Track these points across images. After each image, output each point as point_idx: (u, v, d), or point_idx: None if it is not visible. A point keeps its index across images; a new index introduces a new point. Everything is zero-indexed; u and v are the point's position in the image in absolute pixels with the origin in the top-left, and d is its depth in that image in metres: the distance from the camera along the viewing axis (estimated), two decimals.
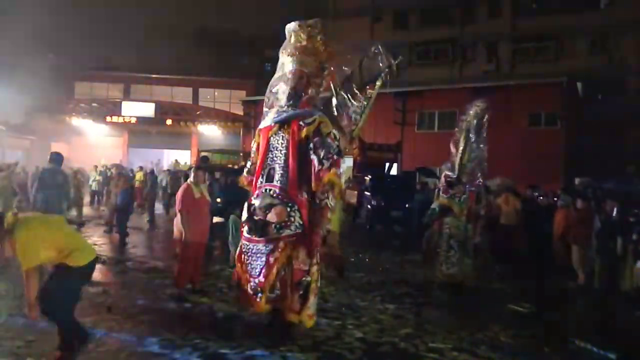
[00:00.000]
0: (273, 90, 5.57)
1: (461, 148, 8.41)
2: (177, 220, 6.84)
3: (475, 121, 8.64)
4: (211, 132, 29.94)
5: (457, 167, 8.28)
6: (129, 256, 9.64)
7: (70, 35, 30.28)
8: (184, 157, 29.88)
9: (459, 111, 22.70)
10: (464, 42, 23.04)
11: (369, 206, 14.79)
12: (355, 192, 15.28)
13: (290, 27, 5.55)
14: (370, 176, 16.28)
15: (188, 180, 7.08)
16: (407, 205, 13.83)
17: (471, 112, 8.75)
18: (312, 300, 5.16)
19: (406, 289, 7.80)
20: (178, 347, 4.84)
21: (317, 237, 5.18)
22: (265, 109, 5.67)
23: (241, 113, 30.29)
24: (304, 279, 5.07)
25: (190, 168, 11.81)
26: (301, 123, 5.14)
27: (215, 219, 8.27)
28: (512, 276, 9.21)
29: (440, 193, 8.38)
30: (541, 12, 21.33)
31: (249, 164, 5.84)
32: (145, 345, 4.84)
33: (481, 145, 8.55)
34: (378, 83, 5.72)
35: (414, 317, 6.28)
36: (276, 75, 5.60)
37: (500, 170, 15.92)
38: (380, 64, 5.70)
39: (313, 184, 5.10)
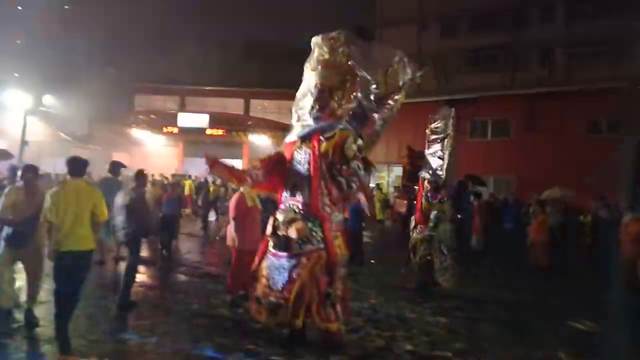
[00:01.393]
0: (300, 105, 5.62)
1: (447, 153, 8.46)
2: (230, 228, 7.01)
3: (449, 128, 8.57)
4: (262, 142, 30.46)
5: (444, 171, 8.42)
6: (183, 262, 9.94)
7: (130, 50, 31.68)
8: (237, 166, 30.50)
9: (513, 118, 22.28)
10: (517, 48, 22.42)
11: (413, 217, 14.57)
12: (405, 201, 15.13)
13: (314, 40, 5.61)
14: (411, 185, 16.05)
15: (241, 189, 7.20)
16: (458, 215, 13.54)
17: (441, 119, 8.65)
18: (338, 309, 5.15)
19: (458, 302, 7.63)
20: (231, 352, 4.97)
21: (336, 250, 5.18)
22: (292, 123, 5.73)
23: (290, 123, 30.58)
24: (329, 290, 5.07)
25: None
26: (322, 137, 5.20)
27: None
28: (570, 291, 8.86)
29: (430, 199, 8.23)
30: (597, 15, 20.49)
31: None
32: (200, 349, 4.99)
33: (450, 152, 8.39)
34: (400, 95, 5.69)
35: (466, 332, 6.13)
36: (301, 89, 5.66)
37: (557, 180, 15.41)
38: (405, 75, 5.66)
39: (338, 204, 5.23)
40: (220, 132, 31.05)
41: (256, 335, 5.46)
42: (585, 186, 14.43)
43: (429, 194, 8.30)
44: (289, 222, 5.05)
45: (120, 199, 6.60)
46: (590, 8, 20.80)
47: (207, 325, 5.76)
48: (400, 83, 5.68)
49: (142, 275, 8.30)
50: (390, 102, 5.63)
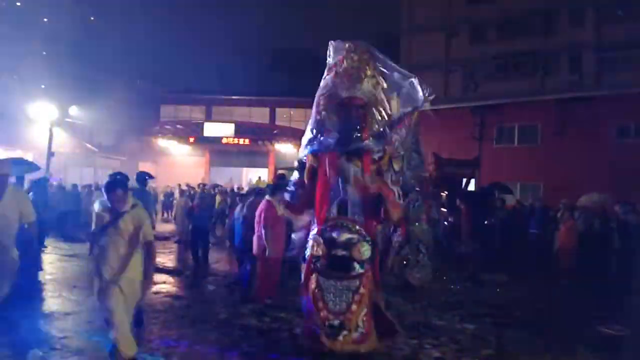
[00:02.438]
0: (322, 112, 5.38)
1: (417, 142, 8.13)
2: (257, 236, 7.04)
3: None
4: (287, 150, 30.62)
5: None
6: (210, 271, 10.02)
7: (155, 60, 32.30)
8: (262, 175, 30.73)
9: (541, 124, 21.93)
10: (545, 53, 22.10)
11: (445, 223, 14.43)
12: (430, 207, 15.00)
13: (338, 46, 5.51)
14: (447, 192, 15.91)
15: (267, 197, 7.23)
16: (485, 222, 13.36)
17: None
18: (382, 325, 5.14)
19: (486, 309, 7.53)
20: None
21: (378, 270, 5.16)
22: (311, 129, 5.47)
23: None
24: (381, 304, 5.08)
25: (267, 185, 12.09)
26: (374, 157, 5.15)
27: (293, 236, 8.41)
28: (597, 296, 8.65)
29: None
30: (627, 19, 20.09)
31: (291, 187, 5.78)
32: (227, 358, 5.02)
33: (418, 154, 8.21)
34: (414, 116, 5.66)
35: (495, 338, 6.03)
36: (323, 94, 5.45)
37: (588, 185, 15.10)
38: (418, 94, 5.55)
39: (394, 214, 5.17)
40: (246, 141, 31.33)
41: (284, 343, 5.46)
42: (615, 191, 14.12)
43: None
44: (347, 242, 4.94)
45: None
46: (620, 11, 20.41)
47: (234, 335, 5.77)
48: (410, 108, 5.59)
49: (168, 285, 8.40)
50: (404, 122, 5.54)
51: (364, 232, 5.00)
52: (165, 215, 21.71)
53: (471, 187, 19.47)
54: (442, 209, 14.69)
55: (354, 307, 4.84)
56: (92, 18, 31.39)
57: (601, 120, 19.80)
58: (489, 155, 22.51)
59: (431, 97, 5.59)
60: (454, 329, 6.36)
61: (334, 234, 5.00)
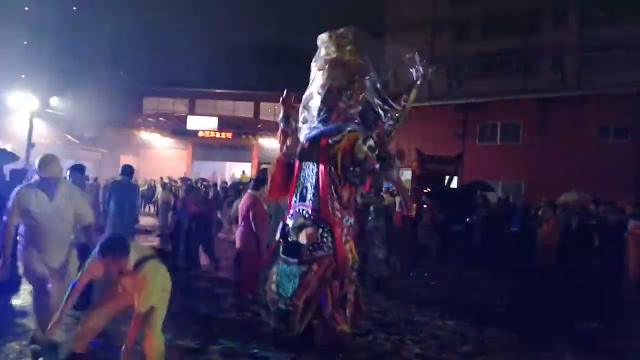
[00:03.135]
0: (307, 106, 5.47)
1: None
2: (240, 231, 6.99)
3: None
4: (271, 145, 30.50)
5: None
6: (192, 265, 9.94)
7: (139, 53, 31.87)
8: (246, 170, 30.58)
9: (523, 123, 22.17)
10: (528, 52, 22.34)
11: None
12: (414, 205, 15.06)
13: (321, 38, 5.52)
14: (429, 189, 16.01)
15: (250, 191, 7.16)
16: (467, 219, 13.49)
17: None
18: (348, 312, 5.12)
19: (466, 305, 7.60)
20: (238, 355, 4.95)
21: (347, 254, 5.11)
22: (299, 125, 5.58)
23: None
24: (338, 295, 5.05)
25: (250, 180, 12.01)
26: (330, 141, 5.11)
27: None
28: (577, 293, 8.81)
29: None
30: (609, 20, 20.39)
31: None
32: (207, 353, 4.99)
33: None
34: (412, 93, 5.57)
35: (475, 335, 6.10)
36: (309, 89, 5.54)
37: (569, 184, 15.31)
38: (415, 73, 5.54)
39: (349, 208, 5.20)
40: (229, 135, 31.14)
41: (264, 339, 5.44)
42: (595, 191, 14.36)
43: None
44: (299, 228, 5.00)
45: None
46: (603, 13, 20.69)
47: (215, 329, 5.74)
48: (410, 81, 5.57)
49: None
50: (401, 101, 5.51)
51: (316, 217, 5.01)
52: (147, 209, 21.49)
53: (453, 184, 19.65)
54: (424, 205, 14.79)
55: (299, 291, 4.87)
56: (74, 8, 30.83)
57: (583, 120, 20.13)
58: (472, 153, 22.72)
59: (430, 70, 5.57)
60: (435, 325, 6.40)
61: (290, 220, 5.13)
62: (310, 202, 5.10)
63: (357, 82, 5.29)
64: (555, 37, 21.56)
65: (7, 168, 10.55)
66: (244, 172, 29.07)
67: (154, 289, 3.74)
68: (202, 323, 5.93)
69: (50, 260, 4.58)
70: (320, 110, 5.27)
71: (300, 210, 5.13)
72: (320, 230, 4.97)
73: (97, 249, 3.60)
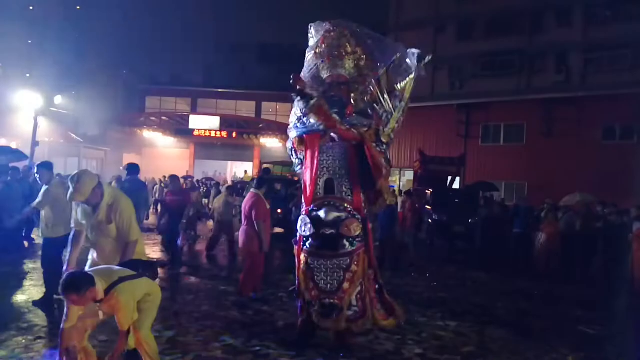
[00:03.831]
0: (314, 93, 5.32)
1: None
2: (243, 230, 6.99)
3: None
4: (273, 144, 30.55)
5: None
6: (194, 263, 9.96)
7: (142, 52, 31.97)
8: (247, 169, 30.62)
9: (527, 123, 22.10)
10: (532, 52, 22.26)
11: (429, 221, 14.53)
12: (417, 205, 15.04)
13: (318, 27, 5.48)
14: (431, 190, 16.01)
15: (253, 190, 7.16)
16: (469, 221, 13.48)
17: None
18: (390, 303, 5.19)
19: (468, 307, 7.58)
20: (240, 353, 4.95)
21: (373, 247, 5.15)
22: (296, 112, 5.45)
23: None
24: (377, 284, 5.07)
25: (253, 179, 12.06)
26: (361, 130, 5.08)
27: (276, 229, 8.40)
28: (579, 296, 8.77)
29: None
30: (615, 20, 20.30)
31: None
32: (209, 350, 4.99)
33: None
34: (409, 78, 5.46)
35: (476, 336, 6.08)
36: (305, 76, 5.47)
37: (573, 186, 15.28)
38: (408, 63, 5.46)
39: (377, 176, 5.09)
40: (231, 134, 31.17)
41: (266, 336, 5.45)
42: (599, 192, 14.32)
43: None
44: (335, 221, 4.90)
45: None
46: (608, 12, 20.60)
47: (217, 327, 5.74)
48: (405, 73, 5.50)
49: None
50: (396, 94, 5.44)
51: (352, 209, 4.98)
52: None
53: (456, 185, 19.65)
54: (427, 206, 14.79)
55: (345, 285, 4.84)
56: (78, 7, 30.93)
57: (587, 120, 20.05)
58: (475, 154, 22.71)
59: (424, 62, 5.49)
60: (436, 326, 6.38)
61: (321, 213, 4.98)
62: (343, 194, 5.04)
63: (368, 76, 5.29)
64: (559, 36, 21.47)
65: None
66: (246, 171, 29.12)
67: (130, 307, 3.73)
68: (205, 321, 5.94)
69: None
70: (333, 102, 5.17)
71: (332, 203, 5.01)
72: (360, 222, 4.96)
73: (60, 290, 3.50)
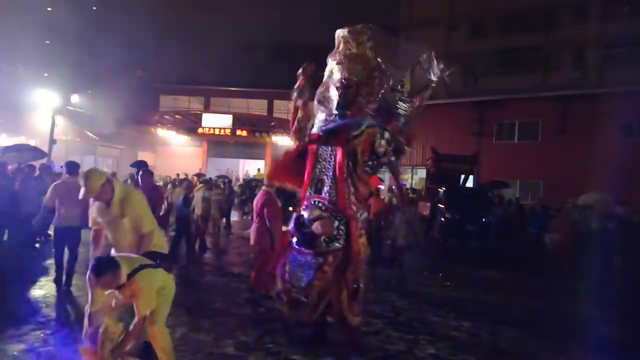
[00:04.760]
0: (320, 99, 5.44)
1: None
2: (255, 227, 7.01)
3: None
4: (285, 143, 30.51)
5: None
6: (206, 260, 10.01)
7: (156, 51, 32.16)
8: (259, 167, 30.69)
9: (542, 121, 21.81)
10: (547, 48, 21.97)
11: (442, 219, 14.45)
12: (428, 204, 14.97)
13: (340, 33, 5.48)
14: (444, 188, 15.90)
15: (265, 188, 7.18)
16: (483, 219, 13.37)
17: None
18: (359, 305, 5.14)
19: (482, 306, 7.53)
20: (252, 350, 4.97)
21: (359, 248, 5.12)
22: (313, 116, 5.51)
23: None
24: (352, 287, 5.03)
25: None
26: (349, 135, 5.09)
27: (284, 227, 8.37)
28: (595, 296, 8.65)
29: None
30: (632, 15, 19.95)
31: None
32: (222, 347, 5.02)
33: None
34: (427, 93, 5.52)
35: (490, 336, 6.02)
36: (324, 83, 5.52)
37: (589, 184, 15.04)
38: (432, 73, 5.48)
39: (364, 202, 5.28)
40: (243, 132, 31.27)
41: (278, 334, 5.46)
42: (618, 191, 14.08)
43: None
44: (315, 219, 4.98)
45: None
46: (625, 7, 20.27)
47: (229, 324, 5.77)
48: (426, 82, 5.51)
49: None
50: (415, 100, 5.46)
51: (334, 210, 5.00)
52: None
53: (469, 183, 19.50)
54: (440, 205, 14.72)
55: (315, 282, 4.88)
56: (94, 7, 31.24)
57: (604, 118, 19.71)
58: (489, 152, 22.51)
59: (447, 73, 5.53)
60: (449, 326, 6.34)
61: (305, 212, 5.09)
62: (327, 194, 5.09)
63: (376, 78, 5.27)
64: (575, 32, 21.16)
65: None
66: (259, 169, 29.20)
67: (151, 294, 3.84)
68: (217, 317, 5.96)
69: None
70: (338, 104, 5.23)
71: (316, 202, 5.10)
72: (337, 223, 4.97)
73: (89, 273, 3.65)
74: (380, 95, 5.26)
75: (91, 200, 4.46)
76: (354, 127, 5.11)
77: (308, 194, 5.23)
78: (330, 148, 5.18)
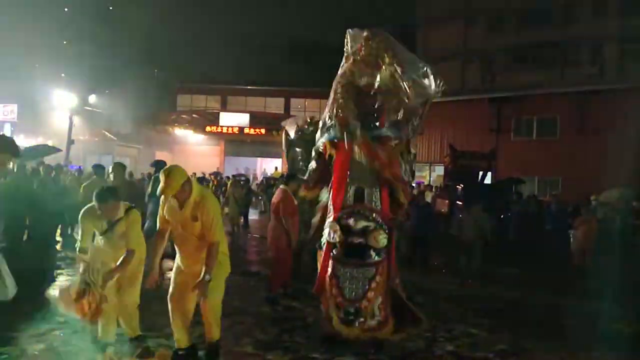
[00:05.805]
0: (339, 100, 5.39)
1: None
2: (271, 226, 7.04)
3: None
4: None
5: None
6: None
7: (173, 50, 32.45)
8: (277, 165, 30.80)
9: (560, 117, 21.53)
10: (566, 44, 21.64)
11: (460, 216, 14.30)
12: (446, 201, 14.85)
13: (357, 34, 5.48)
14: (462, 185, 15.77)
15: (282, 186, 7.21)
16: (501, 216, 13.21)
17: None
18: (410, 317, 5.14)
19: (501, 303, 7.47)
20: (270, 349, 5.00)
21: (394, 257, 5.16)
22: (328, 116, 5.51)
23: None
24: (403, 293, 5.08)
25: (282, 175, 12.10)
26: (392, 143, 5.16)
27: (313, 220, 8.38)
28: (616, 294, 8.52)
29: None
30: None
31: (311, 170, 5.76)
32: (240, 345, 5.05)
33: None
34: (426, 109, 5.56)
35: (509, 333, 5.97)
36: (340, 82, 5.48)
37: (609, 181, 14.80)
38: (430, 86, 5.43)
39: (402, 199, 5.28)
40: (261, 131, 31.41)
41: (296, 332, 5.48)
42: (637, 188, 13.85)
43: None
44: (363, 230, 4.93)
45: None
46: None
47: (248, 322, 5.81)
48: (422, 99, 5.49)
49: None
50: (419, 111, 5.50)
51: (380, 220, 4.98)
52: None
53: (487, 180, 19.30)
54: (458, 202, 14.58)
55: (370, 294, 4.86)
56: (110, 8, 31.59)
57: (623, 113, 19.39)
58: (506, 148, 22.26)
59: (442, 89, 5.46)
60: (468, 323, 6.30)
61: (351, 221, 4.98)
62: (373, 203, 5.08)
63: (401, 88, 5.29)
64: (594, 27, 20.79)
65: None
66: (276, 168, 29.31)
67: (140, 232, 4.54)
68: (235, 316, 5.99)
69: None
70: (368, 111, 5.27)
71: (361, 211, 5.03)
72: (386, 234, 4.97)
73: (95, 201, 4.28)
74: (405, 106, 5.30)
75: (162, 198, 4.35)
76: (396, 136, 5.20)
77: (345, 200, 5.13)
78: (367, 156, 5.18)
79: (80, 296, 4.08)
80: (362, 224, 4.95)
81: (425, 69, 5.45)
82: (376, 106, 5.30)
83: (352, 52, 5.51)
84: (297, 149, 8.73)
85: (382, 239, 4.89)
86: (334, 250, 5.03)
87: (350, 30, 5.58)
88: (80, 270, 4.28)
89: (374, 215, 5.00)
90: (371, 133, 5.22)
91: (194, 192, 4.23)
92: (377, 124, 5.27)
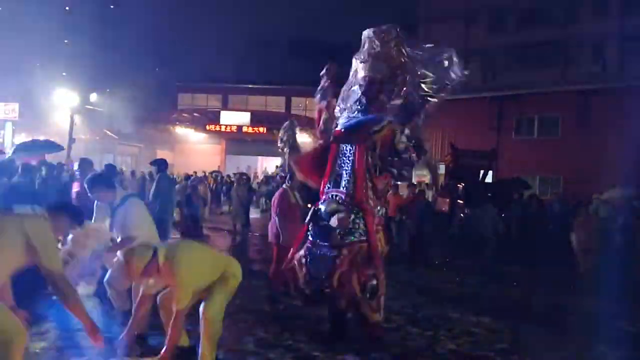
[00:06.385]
0: (344, 97, 5.56)
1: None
2: (272, 224, 7.05)
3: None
4: (302, 140, 30.54)
5: None
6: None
7: (174, 50, 32.47)
8: (277, 164, 30.81)
9: (562, 116, 21.51)
10: (567, 42, 21.62)
11: (462, 215, 14.32)
12: (447, 200, 14.86)
13: (366, 33, 5.53)
14: (463, 184, 15.77)
15: (284, 186, 7.25)
16: (502, 215, 13.20)
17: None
18: (381, 302, 5.14)
19: (502, 302, 7.47)
20: (272, 347, 4.99)
21: (377, 243, 5.14)
22: (337, 115, 5.65)
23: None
24: (369, 283, 5.02)
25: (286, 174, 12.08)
26: (369, 130, 5.15)
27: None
28: (619, 293, 8.51)
29: None
30: None
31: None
32: (242, 344, 5.05)
33: None
34: (443, 94, 5.57)
35: (510, 332, 5.97)
36: (349, 82, 5.60)
37: (611, 180, 14.78)
38: (452, 73, 5.50)
39: (382, 198, 5.38)
40: (262, 130, 31.40)
41: (297, 330, 5.48)
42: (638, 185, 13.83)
43: None
44: (332, 213, 5.02)
45: None
46: None
47: (249, 321, 5.81)
48: (447, 82, 5.54)
49: None
50: (434, 99, 5.51)
51: (350, 203, 5.04)
52: None
53: (488, 179, 19.29)
54: (459, 201, 14.60)
55: (331, 274, 4.92)
56: (111, 6, 31.62)
57: (625, 112, 19.35)
58: (508, 147, 22.23)
59: (466, 72, 5.61)
60: (470, 322, 6.30)
61: (323, 206, 5.15)
62: (345, 188, 5.15)
63: (399, 76, 5.32)
64: (595, 26, 20.78)
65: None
66: (277, 166, 29.31)
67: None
68: (237, 314, 5.99)
69: None
70: (360, 100, 5.33)
71: (334, 196, 5.16)
72: (353, 217, 5.00)
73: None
74: (403, 93, 5.29)
75: None
76: (375, 123, 5.18)
77: (327, 188, 5.31)
78: (349, 145, 5.24)
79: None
80: (331, 207, 5.05)
81: (449, 54, 5.52)
82: (370, 96, 5.31)
83: (366, 49, 5.49)
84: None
85: (343, 221, 4.92)
86: (307, 233, 5.24)
87: (365, 30, 5.59)
88: None
89: (344, 198, 5.08)
90: (354, 120, 5.27)
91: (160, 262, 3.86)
92: (365, 111, 5.28)
